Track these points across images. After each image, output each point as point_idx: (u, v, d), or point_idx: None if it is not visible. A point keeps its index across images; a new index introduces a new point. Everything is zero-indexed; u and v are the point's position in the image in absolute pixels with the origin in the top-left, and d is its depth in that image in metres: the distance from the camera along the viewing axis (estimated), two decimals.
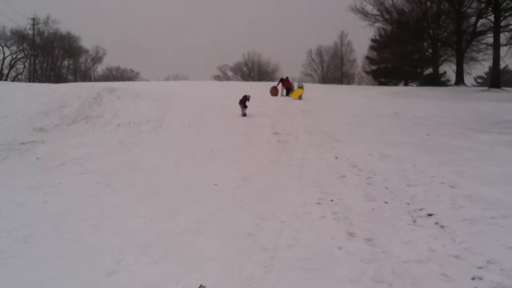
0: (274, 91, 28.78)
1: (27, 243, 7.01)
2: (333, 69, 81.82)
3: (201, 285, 5.13)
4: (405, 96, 27.48)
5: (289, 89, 28.57)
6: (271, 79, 31.83)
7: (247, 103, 20.24)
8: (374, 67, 65.47)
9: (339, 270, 5.20)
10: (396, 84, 58.27)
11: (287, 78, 30.32)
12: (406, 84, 58.71)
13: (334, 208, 7.71)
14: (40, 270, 5.98)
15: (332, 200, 8.13)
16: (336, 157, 11.72)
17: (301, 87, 27.44)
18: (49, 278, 5.72)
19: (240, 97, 20.63)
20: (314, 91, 30.58)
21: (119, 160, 12.97)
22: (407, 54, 57.05)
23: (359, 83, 71.76)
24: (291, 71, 79.02)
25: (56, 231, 7.54)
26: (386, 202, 7.91)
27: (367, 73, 69.12)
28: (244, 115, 19.77)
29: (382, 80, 62.08)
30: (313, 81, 72.31)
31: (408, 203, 7.78)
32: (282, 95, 28.49)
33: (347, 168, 10.72)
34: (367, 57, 67.47)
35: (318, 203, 8.07)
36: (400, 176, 9.59)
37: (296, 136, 15.01)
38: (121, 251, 6.49)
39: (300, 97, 26.22)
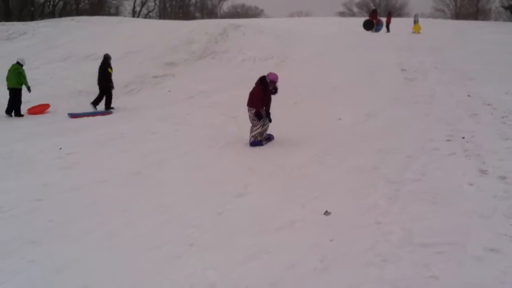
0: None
1: (160, 166, 7.61)
2: (467, 4, 75.61)
3: (326, 211, 5.21)
4: None
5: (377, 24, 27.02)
6: (399, 15, 30.01)
7: (269, 109, 9.09)
8: None
9: (469, 205, 4.99)
10: None
11: (374, 11, 28.89)
12: None
13: (465, 146, 7.33)
14: (173, 191, 6.45)
15: (463, 138, 7.72)
16: (469, 95, 11.03)
17: (417, 21, 26.37)
18: (181, 197, 6.16)
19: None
20: (445, 27, 28.79)
21: (243, 95, 13.24)
22: None
23: (496, 20, 66.02)
24: (421, 6, 73.90)
25: (186, 157, 8.09)
26: None
27: (505, 8, 63.28)
28: (258, 142, 8.64)
29: None
30: (445, 17, 67.63)
31: None
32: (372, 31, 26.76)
33: (479, 106, 10.07)
34: None
35: (448, 140, 7.72)
36: None
37: (424, 73, 14.30)
38: (247, 178, 6.78)
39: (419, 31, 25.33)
